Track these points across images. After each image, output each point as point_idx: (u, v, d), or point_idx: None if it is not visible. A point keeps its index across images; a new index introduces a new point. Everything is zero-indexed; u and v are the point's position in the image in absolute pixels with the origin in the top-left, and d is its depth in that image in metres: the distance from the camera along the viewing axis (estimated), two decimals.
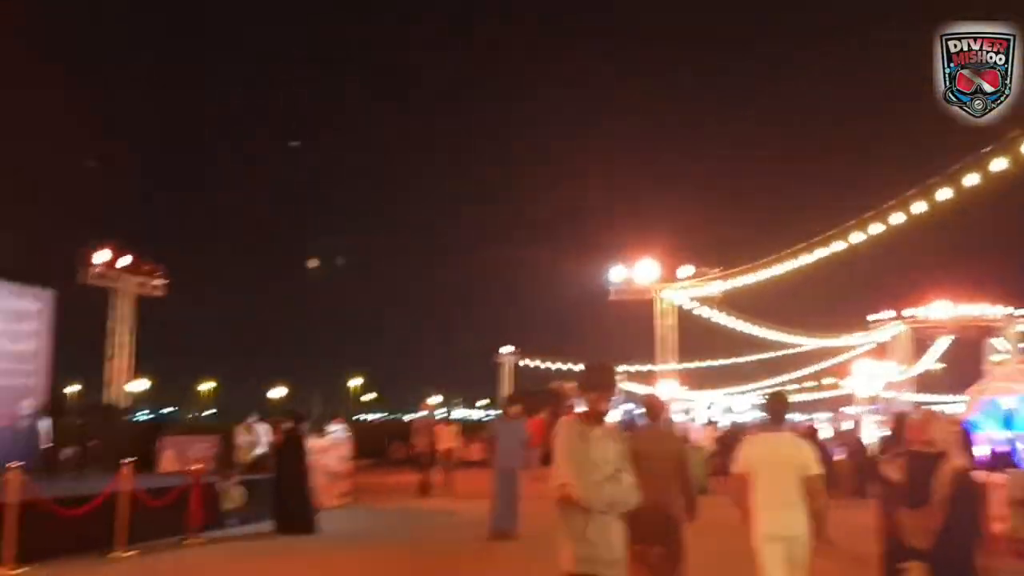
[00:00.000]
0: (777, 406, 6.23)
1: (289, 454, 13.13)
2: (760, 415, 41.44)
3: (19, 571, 8.91)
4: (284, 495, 12.83)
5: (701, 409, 40.89)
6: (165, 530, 11.43)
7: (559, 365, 51.05)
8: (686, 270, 31.57)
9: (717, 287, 31.78)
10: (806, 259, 27.37)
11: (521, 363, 49.23)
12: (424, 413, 22.30)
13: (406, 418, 41.53)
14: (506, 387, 46.51)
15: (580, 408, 4.44)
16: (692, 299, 32.51)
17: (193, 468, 12.29)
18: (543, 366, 51.27)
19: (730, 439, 22.73)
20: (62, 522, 9.62)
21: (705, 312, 33.35)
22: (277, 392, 72.51)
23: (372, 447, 28.74)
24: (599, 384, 4.58)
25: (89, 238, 25.87)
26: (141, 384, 67.94)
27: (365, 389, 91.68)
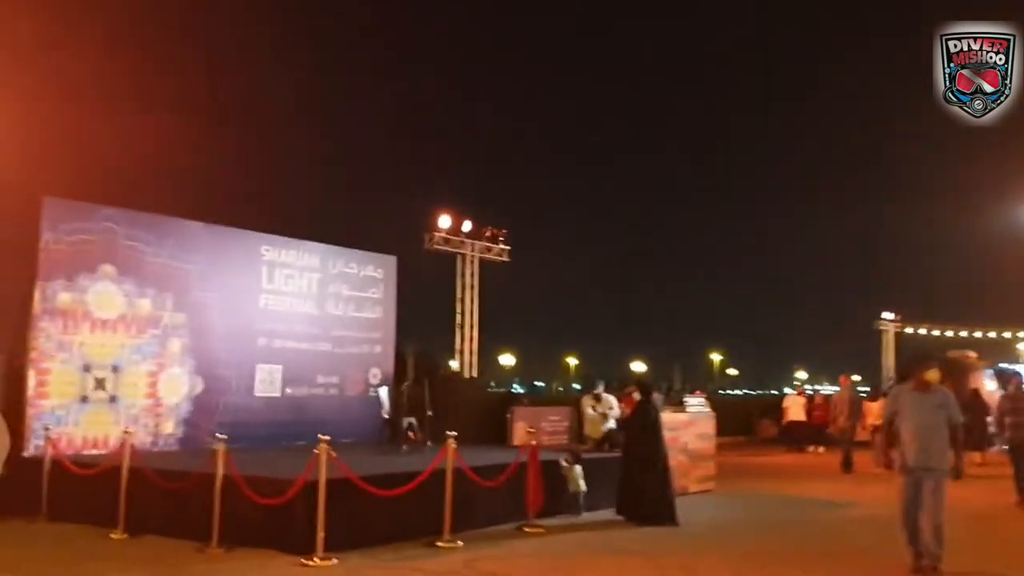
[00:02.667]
0: None
1: (639, 430, 11.14)
2: None
3: (330, 563, 7.67)
4: (635, 477, 10.84)
5: None
6: (500, 515, 9.88)
7: (950, 332, 44.64)
8: None
9: None
10: None
11: (906, 331, 43.61)
12: (838, 388, 20.53)
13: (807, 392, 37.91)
14: (888, 358, 41.21)
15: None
16: None
17: (530, 443, 10.56)
18: (932, 333, 45.28)
19: None
20: (378, 504, 8.29)
21: None
22: (637, 366, 72.29)
23: (737, 424, 26.44)
24: None
25: (434, 205, 25.96)
26: (508, 358, 71.34)
27: (725, 364, 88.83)
